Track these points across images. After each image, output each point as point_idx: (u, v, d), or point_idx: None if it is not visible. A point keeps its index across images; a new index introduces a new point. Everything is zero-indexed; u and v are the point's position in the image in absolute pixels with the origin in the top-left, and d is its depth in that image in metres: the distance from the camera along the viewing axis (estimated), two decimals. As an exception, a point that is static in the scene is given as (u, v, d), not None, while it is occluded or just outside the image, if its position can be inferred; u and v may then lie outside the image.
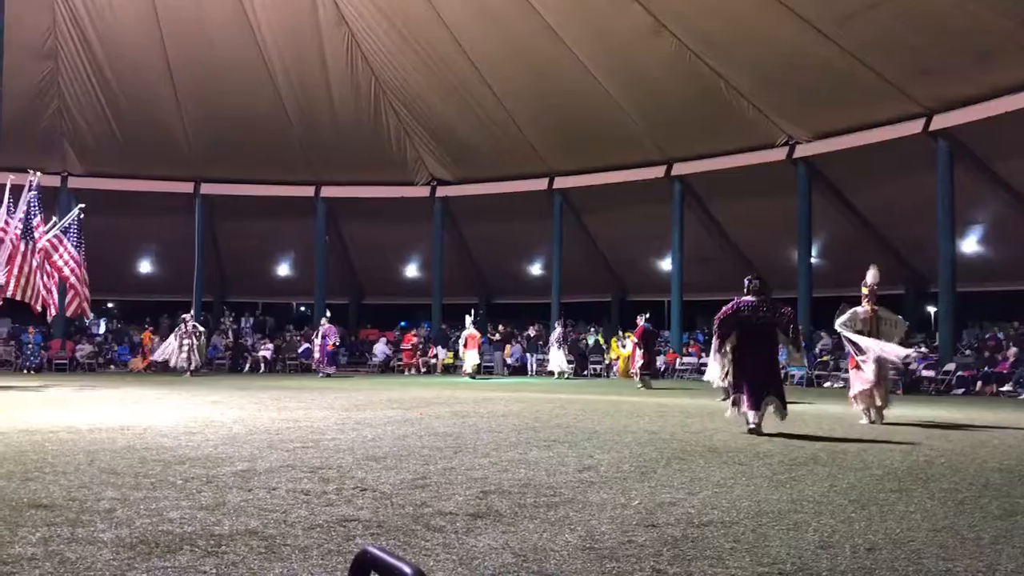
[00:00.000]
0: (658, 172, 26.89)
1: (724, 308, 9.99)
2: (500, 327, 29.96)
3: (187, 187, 29.18)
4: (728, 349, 9.73)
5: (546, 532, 4.45)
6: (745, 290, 10.02)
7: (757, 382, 9.56)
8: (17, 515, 4.64)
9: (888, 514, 5.09)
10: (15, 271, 17.41)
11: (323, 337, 24.48)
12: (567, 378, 24.76)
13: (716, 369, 9.91)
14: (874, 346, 10.91)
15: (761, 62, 22.11)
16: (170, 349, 24.26)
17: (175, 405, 12.73)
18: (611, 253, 30.78)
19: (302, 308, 36.26)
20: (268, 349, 28.39)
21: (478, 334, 24.59)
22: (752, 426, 9.38)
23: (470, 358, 24.03)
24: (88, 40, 25.31)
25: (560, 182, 28.52)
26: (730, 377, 9.82)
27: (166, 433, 8.77)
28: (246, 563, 3.78)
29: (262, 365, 27.75)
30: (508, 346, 28.53)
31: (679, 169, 26.63)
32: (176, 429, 9.18)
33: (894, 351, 10.96)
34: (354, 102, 27.23)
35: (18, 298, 17.84)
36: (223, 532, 4.35)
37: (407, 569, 1.20)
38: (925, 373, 20.89)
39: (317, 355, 25.17)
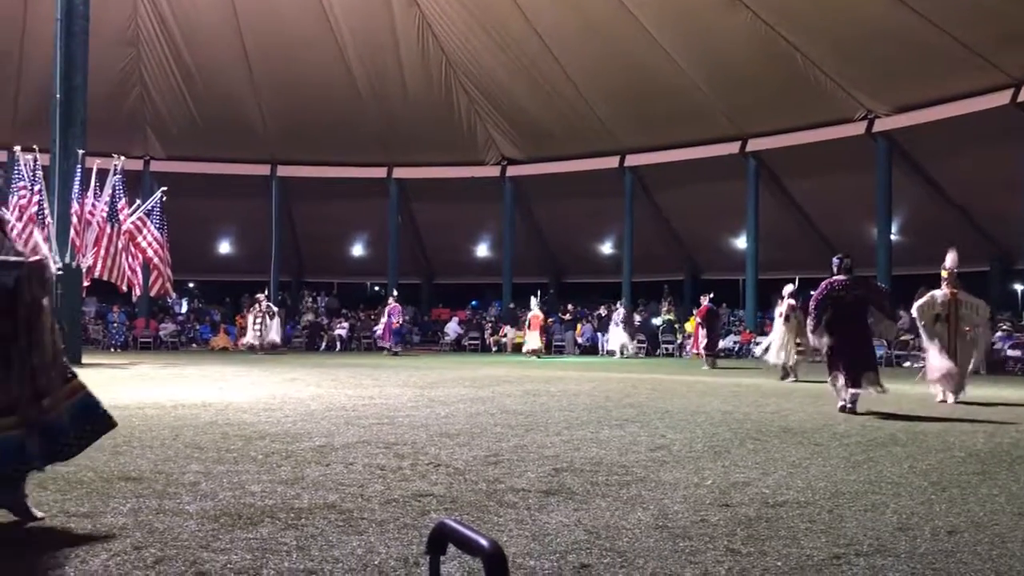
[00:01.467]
0: (732, 148, 26.44)
1: (819, 288, 10.02)
2: (570, 306, 29.93)
3: (264, 170, 29.80)
4: (823, 329, 9.72)
5: (618, 510, 4.46)
6: (836, 269, 10.04)
7: (853, 360, 9.57)
8: (108, 487, 4.84)
9: (970, 497, 4.96)
10: (101, 252, 18.05)
11: (388, 315, 25.13)
12: (628, 358, 24.70)
13: (777, 352, 9.85)
14: (934, 362, 10.77)
15: (838, 33, 21.50)
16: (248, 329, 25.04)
17: (254, 382, 13.08)
18: (683, 231, 30.43)
19: (375, 288, 36.75)
20: (344, 328, 28.92)
21: (542, 315, 24.70)
22: (848, 405, 9.39)
23: (532, 339, 24.24)
24: (168, 27, 25.98)
25: (631, 159, 28.25)
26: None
27: (246, 409, 9.02)
28: (325, 536, 3.88)
29: (338, 343, 28.31)
30: (579, 326, 28.50)
31: (754, 145, 26.14)
32: (256, 405, 9.43)
33: (946, 367, 10.72)
34: (426, 83, 27.40)
35: (104, 278, 18.52)
36: (302, 506, 4.47)
37: (484, 542, 1.23)
38: (1011, 353, 20.19)
39: (380, 331, 25.82)
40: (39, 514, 4.11)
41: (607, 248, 31.55)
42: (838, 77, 22.99)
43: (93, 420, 4.30)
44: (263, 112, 28.10)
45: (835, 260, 10.16)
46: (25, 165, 18.33)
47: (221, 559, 3.51)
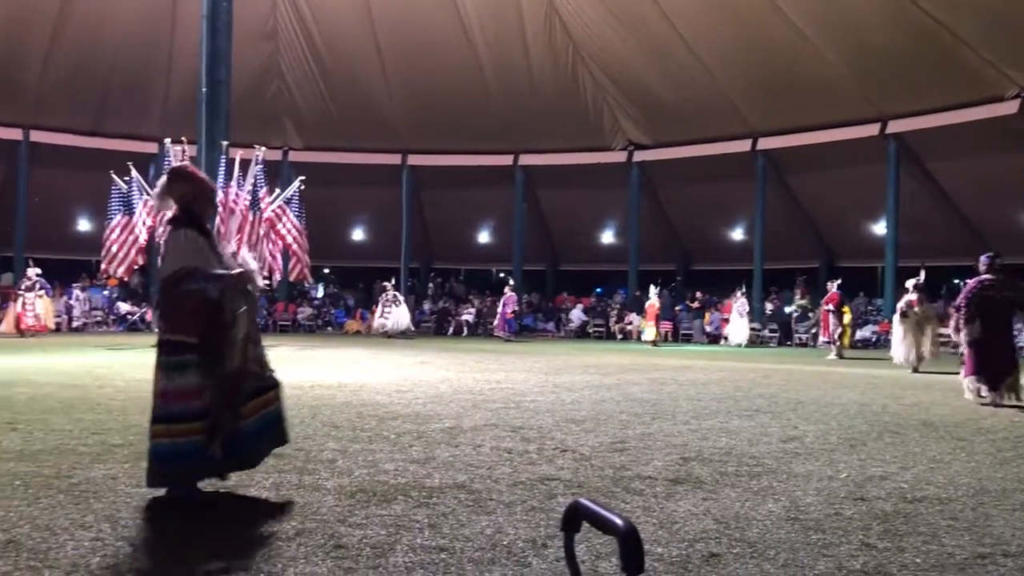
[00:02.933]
0: (871, 130, 25.32)
1: (967, 286, 9.70)
2: (698, 294, 29.42)
3: (395, 159, 30.52)
4: (969, 328, 9.32)
5: (748, 501, 4.39)
6: (984, 267, 9.60)
7: (996, 362, 9.19)
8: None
9: None
10: (244, 239, 18.91)
11: (503, 304, 25.50)
12: (741, 346, 24.24)
13: (901, 349, 9.43)
14: None
15: (988, 6, 20.23)
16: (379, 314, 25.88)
17: (386, 365, 13.47)
18: (818, 216, 29.39)
19: (501, 274, 37.12)
20: (471, 313, 29.40)
21: (658, 304, 24.49)
22: (987, 401, 9.06)
23: (649, 330, 24.13)
24: (305, 20, 26.92)
25: (764, 143, 27.46)
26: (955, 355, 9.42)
27: (379, 390, 9.32)
28: (455, 515, 3.98)
29: (465, 328, 28.80)
30: (707, 314, 28.01)
31: (894, 126, 24.96)
32: (388, 387, 9.73)
33: None
34: (552, 70, 27.40)
35: (247, 264, 19.36)
36: (433, 485, 4.60)
37: (619, 522, 1.25)
38: None
39: (497, 321, 26.20)
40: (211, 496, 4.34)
41: (737, 234, 30.81)
42: (988, 53, 21.65)
43: (272, 436, 4.51)
44: (394, 102, 28.75)
45: (984, 258, 9.66)
46: (174, 156, 19.37)
47: (357, 534, 3.66)
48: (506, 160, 30.36)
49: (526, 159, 30.36)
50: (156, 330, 4.48)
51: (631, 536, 1.22)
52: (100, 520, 3.78)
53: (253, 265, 4.51)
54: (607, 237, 32.68)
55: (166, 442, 4.12)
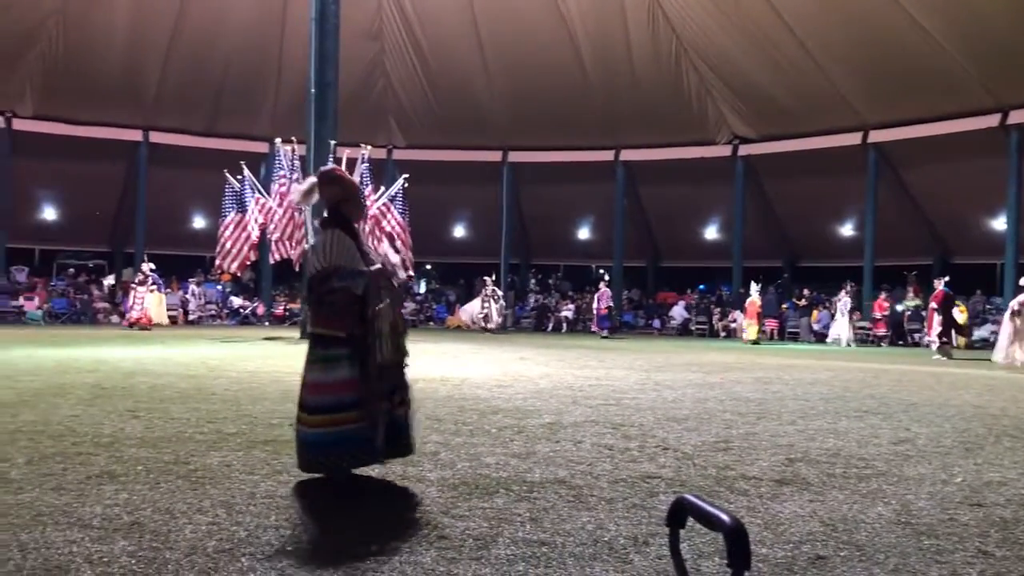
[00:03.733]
0: (990, 121, 24.16)
1: None
2: (806, 292, 28.67)
3: (496, 156, 30.75)
4: None
5: (857, 503, 4.27)
6: None
7: None
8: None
9: None
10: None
11: (598, 300, 25.43)
12: (854, 347, 23.49)
13: (1010, 349, 8.99)
14: None
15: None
16: (474, 309, 26.16)
17: (487, 360, 13.60)
18: (932, 211, 28.22)
19: (600, 271, 36.98)
20: (570, 309, 29.41)
21: (760, 302, 23.96)
22: None
23: (750, 328, 23.63)
24: (409, 21, 27.38)
25: (875, 135, 26.54)
26: None
27: (480, 385, 9.42)
28: (556, 510, 4.00)
29: (564, 324, 28.83)
30: (815, 312, 27.27)
31: (1016, 117, 23.77)
32: (488, 382, 9.82)
33: None
34: (654, 64, 27.13)
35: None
36: (534, 479, 4.63)
37: (726, 518, 1.24)
38: None
39: (594, 317, 26.28)
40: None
41: (846, 230, 29.88)
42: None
43: (405, 437, 4.62)
44: (495, 100, 28.96)
45: None
46: (284, 156, 20.02)
47: (460, 525, 3.72)
48: (607, 156, 30.23)
49: (627, 154, 30.15)
50: (307, 326, 4.65)
51: (738, 532, 1.21)
52: (216, 505, 3.95)
53: (395, 260, 4.67)
54: (710, 233, 32.17)
55: (328, 431, 4.25)
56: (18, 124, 26.99)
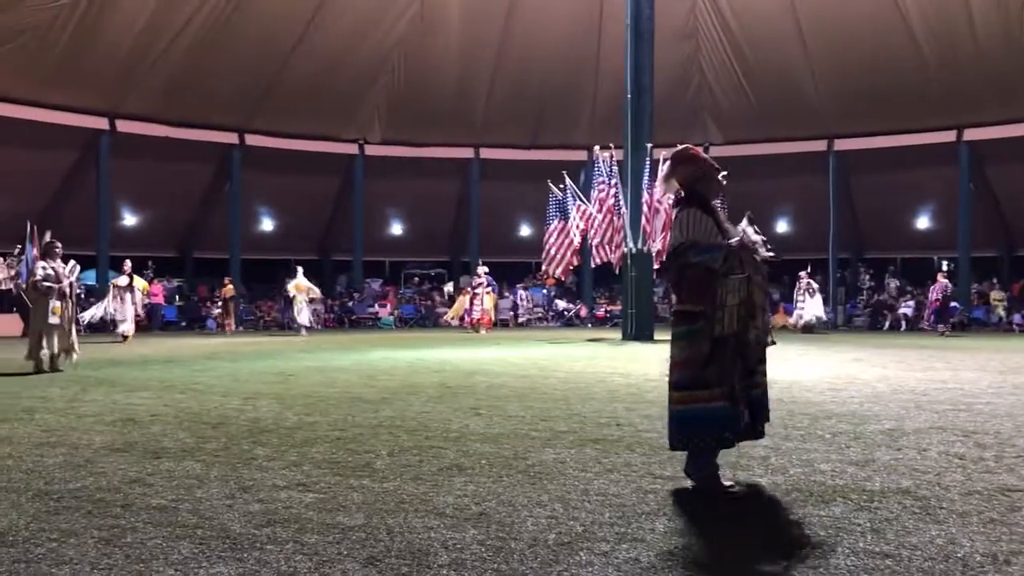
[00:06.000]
0: None
1: None
2: None
3: (820, 145, 29.31)
4: None
5: None
6: None
7: None
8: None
9: None
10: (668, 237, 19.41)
11: (932, 293, 23.69)
12: None
13: None
14: None
15: None
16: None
17: (816, 361, 13.01)
18: None
19: (944, 263, 33.85)
20: (909, 306, 27.22)
21: None
22: None
23: None
24: (724, 16, 26.93)
25: None
26: None
27: (810, 388, 9.05)
28: (900, 521, 3.76)
29: (902, 323, 26.77)
30: None
31: None
32: (820, 384, 9.40)
33: None
34: (1002, 27, 24.31)
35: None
36: (874, 488, 4.38)
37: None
38: None
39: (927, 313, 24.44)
40: (735, 488, 4.40)
41: None
42: None
43: (763, 412, 4.57)
44: (818, 87, 27.61)
45: None
46: (603, 162, 20.54)
47: (794, 533, 3.64)
48: (947, 136, 27.64)
49: (972, 133, 27.35)
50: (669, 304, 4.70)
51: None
52: (553, 500, 4.18)
53: (755, 238, 4.63)
54: (1077, 216, 28.23)
55: (689, 408, 4.31)
56: (369, 150, 30.22)
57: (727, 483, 4.37)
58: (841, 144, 29.05)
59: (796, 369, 11.47)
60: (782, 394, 8.42)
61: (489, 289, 24.29)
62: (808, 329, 24.09)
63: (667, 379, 4.47)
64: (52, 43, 23.00)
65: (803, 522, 3.77)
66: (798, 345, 17.42)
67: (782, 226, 32.30)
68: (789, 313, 27.70)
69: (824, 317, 25.03)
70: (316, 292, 23.41)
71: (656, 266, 19.96)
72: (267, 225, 31.60)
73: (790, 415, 6.95)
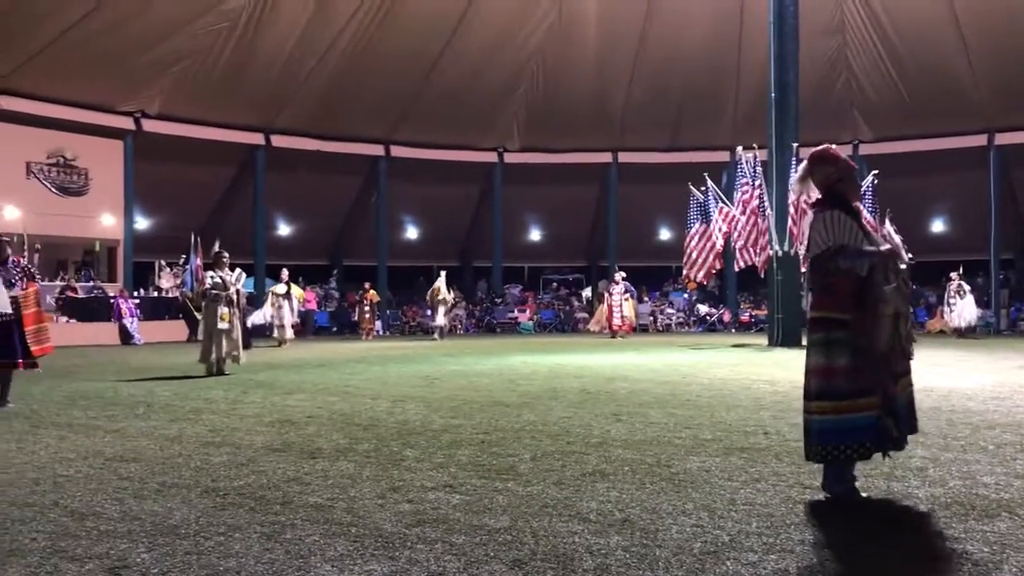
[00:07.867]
0: None
1: None
2: None
3: (980, 140, 27.68)
4: None
5: None
6: None
7: None
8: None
9: None
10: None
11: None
12: None
13: None
14: None
15: None
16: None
17: (976, 368, 12.30)
18: None
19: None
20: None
21: None
22: None
23: None
24: (873, 9, 25.80)
25: None
26: None
27: (971, 396, 8.59)
28: (1074, 540, 3.54)
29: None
30: None
31: None
32: (982, 393, 8.91)
33: None
34: None
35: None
36: (1044, 504, 4.14)
37: None
38: None
39: None
40: (863, 493, 4.35)
41: None
42: None
43: (910, 421, 4.45)
44: (978, 79, 26.07)
45: None
46: (746, 162, 20.09)
47: (956, 548, 3.48)
48: None
49: None
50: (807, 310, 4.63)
51: None
52: (698, 508, 4.14)
53: (898, 241, 4.50)
54: None
55: (826, 418, 4.22)
56: (508, 157, 30.61)
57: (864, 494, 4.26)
58: (1003, 138, 27.32)
59: (955, 376, 10.89)
60: (940, 402, 8.03)
61: (628, 295, 24.15)
62: (969, 332, 22.80)
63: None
64: (212, 65, 24.45)
65: (964, 538, 3.60)
66: (955, 351, 16.52)
67: (937, 226, 30.69)
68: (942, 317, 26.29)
69: (973, 321, 23.55)
70: (449, 298, 24.09)
71: (803, 268, 19.38)
72: (411, 233, 32.52)
73: (949, 424, 6.63)
